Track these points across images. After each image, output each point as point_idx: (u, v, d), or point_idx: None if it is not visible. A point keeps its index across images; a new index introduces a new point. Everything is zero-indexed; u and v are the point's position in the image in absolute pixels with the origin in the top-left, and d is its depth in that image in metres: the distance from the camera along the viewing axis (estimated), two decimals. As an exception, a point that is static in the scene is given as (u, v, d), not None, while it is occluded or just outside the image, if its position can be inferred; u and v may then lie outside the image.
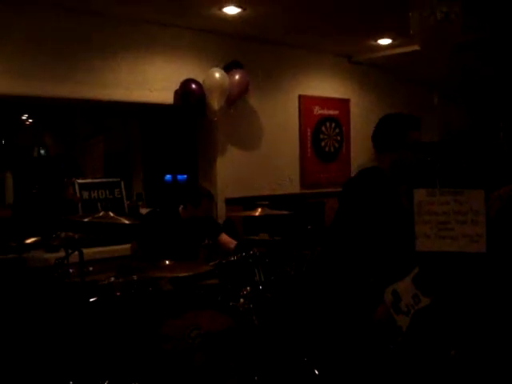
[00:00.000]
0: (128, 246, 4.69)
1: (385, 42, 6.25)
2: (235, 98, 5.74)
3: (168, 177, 7.10)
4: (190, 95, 5.41)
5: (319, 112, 6.88)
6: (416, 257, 2.59)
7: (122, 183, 5.41)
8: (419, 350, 2.70)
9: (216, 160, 5.83)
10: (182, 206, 4.47)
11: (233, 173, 6.00)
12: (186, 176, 6.72)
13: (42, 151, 6.28)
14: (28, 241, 3.77)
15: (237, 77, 5.67)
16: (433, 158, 2.82)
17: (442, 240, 2.54)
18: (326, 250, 3.22)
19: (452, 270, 2.75)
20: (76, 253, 3.71)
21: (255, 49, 6.15)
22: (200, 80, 5.46)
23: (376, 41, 6.24)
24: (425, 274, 2.58)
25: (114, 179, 5.41)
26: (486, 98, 7.33)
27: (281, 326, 3.77)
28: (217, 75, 5.49)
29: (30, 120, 5.91)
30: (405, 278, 2.58)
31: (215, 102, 5.47)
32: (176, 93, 5.51)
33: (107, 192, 5.29)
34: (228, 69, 5.65)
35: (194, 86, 5.43)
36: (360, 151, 7.09)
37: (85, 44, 4.93)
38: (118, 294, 3.55)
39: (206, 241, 4.67)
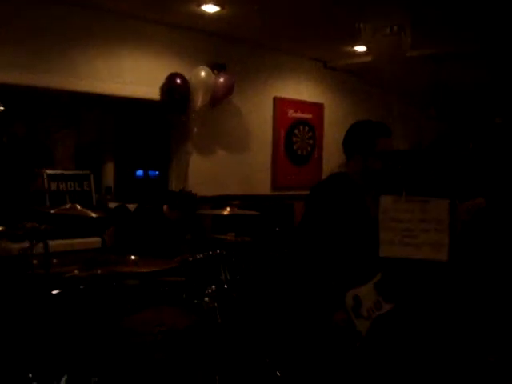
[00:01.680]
0: (93, 239, 4.68)
1: (360, 48, 6.30)
2: (220, 99, 5.79)
3: (139, 172, 7.07)
4: (175, 90, 5.42)
5: (293, 115, 6.91)
6: (379, 263, 2.63)
7: (92, 176, 5.35)
8: (378, 355, 2.73)
9: (189, 158, 5.81)
10: (166, 206, 4.51)
11: (205, 171, 5.99)
12: (157, 172, 6.68)
13: (12, 140, 6.17)
14: (-8, 229, 3.71)
15: (223, 79, 5.72)
16: (401, 166, 2.86)
17: (405, 247, 2.58)
18: (292, 252, 3.24)
19: (414, 277, 2.80)
20: (41, 244, 3.67)
21: (234, 48, 6.15)
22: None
23: (352, 47, 6.28)
24: (388, 280, 2.62)
25: (84, 171, 5.35)
26: (458, 110, 7.45)
27: (244, 326, 3.79)
28: (203, 74, 5.52)
29: (1, 108, 5.83)
30: (367, 283, 2.62)
31: (199, 100, 5.49)
32: (162, 88, 5.51)
33: (76, 184, 5.23)
34: (213, 69, 5.68)
35: (179, 80, 5.44)
36: (332, 156, 7.13)
37: (62, 34, 4.86)
38: (82, 287, 3.52)
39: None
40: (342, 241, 2.74)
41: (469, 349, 3.43)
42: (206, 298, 3.63)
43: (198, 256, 3.93)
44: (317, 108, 7.23)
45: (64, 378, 3.12)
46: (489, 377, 3.33)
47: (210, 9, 4.95)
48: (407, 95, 7.94)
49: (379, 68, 4.49)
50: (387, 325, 2.66)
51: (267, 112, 6.68)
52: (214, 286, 3.73)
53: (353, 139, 2.95)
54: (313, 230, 2.81)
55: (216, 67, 5.72)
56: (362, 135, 2.92)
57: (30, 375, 3.26)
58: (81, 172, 5.35)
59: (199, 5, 4.87)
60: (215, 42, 5.94)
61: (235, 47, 6.16)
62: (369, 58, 6.42)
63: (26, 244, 3.88)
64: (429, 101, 7.67)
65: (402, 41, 3.70)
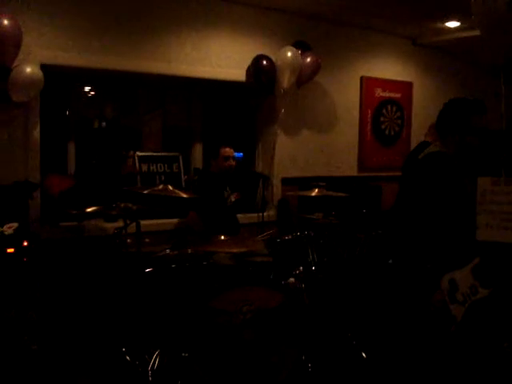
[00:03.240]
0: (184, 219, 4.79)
1: (452, 24, 6.06)
2: (306, 80, 5.76)
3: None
4: (262, 72, 5.44)
5: (381, 94, 6.76)
6: (477, 246, 2.54)
7: (181, 158, 5.46)
8: (473, 341, 2.65)
9: (276, 139, 5.82)
10: None
11: (291, 153, 5.98)
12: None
13: (103, 123, 6.39)
14: (88, 209, 3.85)
15: (309, 59, 5.68)
16: (499, 147, 2.74)
17: (504, 231, 2.47)
18: (387, 233, 3.19)
19: (513, 262, 2.68)
20: (134, 224, 3.79)
21: (320, 28, 6.08)
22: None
23: (443, 23, 6.05)
24: (485, 265, 2.53)
25: (173, 153, 5.47)
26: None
27: (331, 308, 3.78)
28: (289, 54, 5.50)
29: (93, 92, 6.03)
30: (464, 267, 2.53)
31: (285, 81, 5.49)
32: (248, 70, 5.54)
33: (165, 166, 5.35)
34: (295, 46, 5.64)
35: (265, 62, 5.45)
36: (420, 136, 6.92)
37: (151, 19, 4.98)
38: (173, 266, 3.61)
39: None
40: (440, 221, 2.66)
41: None
42: (293, 279, 3.63)
43: (285, 237, 3.94)
44: (405, 87, 7.03)
45: (156, 353, 3.22)
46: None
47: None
48: (500, 72, 7.57)
49: (483, 44, 4.27)
50: (483, 311, 2.57)
51: (354, 92, 6.56)
52: (301, 268, 3.73)
53: (448, 117, 2.86)
54: (410, 209, 2.74)
55: (301, 47, 5.66)
56: (457, 112, 2.82)
57: (124, 349, 3.39)
58: (170, 154, 5.47)
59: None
60: (300, 22, 5.89)
61: (320, 26, 6.09)
62: (463, 34, 6.18)
63: (120, 224, 4.03)
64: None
65: None
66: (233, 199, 4.82)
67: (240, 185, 4.94)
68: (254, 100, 6.03)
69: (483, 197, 2.50)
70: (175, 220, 5.01)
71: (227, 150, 4.78)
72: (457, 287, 2.51)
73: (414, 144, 7.04)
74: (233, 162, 4.83)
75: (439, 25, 6.14)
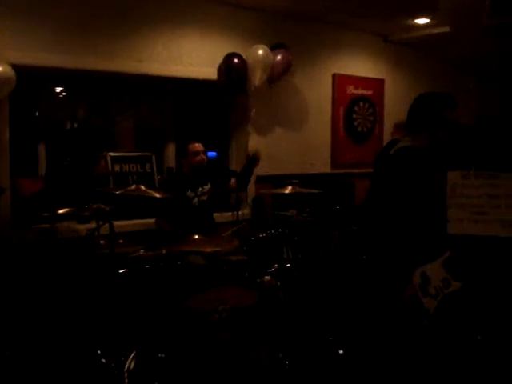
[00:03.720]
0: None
1: (422, 21, 6.12)
2: (278, 77, 5.76)
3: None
4: (233, 70, 5.43)
5: (353, 91, 6.81)
6: (448, 240, 2.56)
7: (154, 158, 5.42)
8: (445, 334, 2.68)
9: (249, 138, 5.82)
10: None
11: (264, 151, 5.93)
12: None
13: (75, 124, 6.33)
14: (60, 211, 3.81)
15: (280, 56, 5.68)
16: (469, 141, 2.77)
17: (475, 224, 2.50)
18: (360, 228, 3.20)
19: (484, 254, 2.71)
20: (107, 225, 3.75)
21: (292, 26, 6.10)
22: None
23: (413, 20, 6.11)
24: (456, 258, 2.55)
25: (146, 153, 5.43)
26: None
27: (307, 304, 3.78)
28: (260, 52, 5.50)
29: (64, 93, 5.96)
30: (435, 260, 2.55)
31: (257, 79, 5.48)
32: (219, 68, 5.53)
33: (138, 166, 5.30)
34: (273, 49, 5.66)
35: (236, 60, 5.45)
36: (392, 132, 7.00)
37: (122, 18, 4.94)
38: (147, 266, 3.59)
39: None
40: (411, 215, 2.67)
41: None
42: (268, 277, 3.63)
43: (260, 235, 3.93)
44: (377, 84, 7.09)
45: (132, 355, 3.19)
46: None
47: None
48: (470, 68, 7.69)
49: (453, 40, 4.32)
50: (455, 304, 2.60)
51: (326, 89, 6.60)
52: (276, 265, 3.73)
53: (419, 111, 2.88)
54: (382, 204, 2.76)
55: (275, 45, 5.66)
56: (428, 107, 2.84)
57: (99, 352, 3.35)
58: (143, 154, 5.42)
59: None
60: (272, 20, 5.90)
61: (292, 24, 6.10)
62: (432, 31, 6.24)
63: (93, 225, 3.99)
64: (492, 73, 7.39)
65: (482, 8, 3.53)
66: (205, 198, 4.77)
67: (214, 184, 4.90)
68: (226, 98, 6.02)
69: (453, 191, 2.52)
70: (149, 220, 4.98)
71: (195, 145, 4.73)
72: (429, 280, 2.53)
73: (386, 141, 7.10)
74: (203, 157, 4.77)
75: (409, 21, 6.20)
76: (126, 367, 3.13)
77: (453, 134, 2.78)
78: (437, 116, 2.79)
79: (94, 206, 3.75)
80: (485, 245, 2.59)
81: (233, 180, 4.92)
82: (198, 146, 4.74)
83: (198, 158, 4.72)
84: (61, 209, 3.79)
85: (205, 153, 4.82)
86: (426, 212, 2.67)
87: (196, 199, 4.74)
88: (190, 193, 4.73)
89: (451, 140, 2.78)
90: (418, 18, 6.02)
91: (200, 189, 4.79)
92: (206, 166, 4.81)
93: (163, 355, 3.09)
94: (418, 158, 2.82)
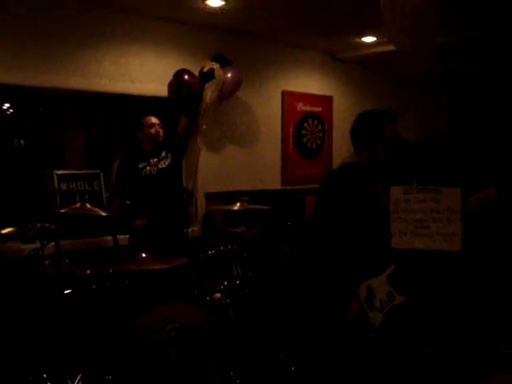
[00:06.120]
0: (105, 238, 4.69)
1: (369, 39, 6.25)
2: (228, 95, 5.75)
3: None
4: (183, 86, 5.37)
5: (302, 108, 6.87)
6: (392, 254, 2.60)
7: (102, 175, 5.35)
8: (392, 347, 2.70)
9: (199, 154, 5.80)
10: None
11: (214, 167, 5.98)
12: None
13: (22, 141, 6.21)
14: (3, 231, 3.70)
15: (231, 73, 5.68)
16: (410, 156, 2.82)
17: (417, 238, 2.54)
18: (304, 245, 3.22)
19: (427, 268, 2.76)
20: (52, 244, 3.67)
21: (241, 43, 6.11)
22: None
23: (360, 38, 6.23)
24: (400, 272, 2.59)
25: (94, 171, 5.34)
26: (469, 100, 7.37)
27: (257, 322, 3.77)
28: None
29: (11, 110, 5.85)
30: (380, 274, 2.58)
31: (208, 95, 5.45)
32: (169, 85, 5.49)
33: (86, 184, 5.22)
34: (213, 60, 5.63)
35: (187, 76, 5.40)
36: (342, 148, 7.09)
37: (69, 34, 4.86)
38: (94, 286, 3.52)
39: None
40: (355, 231, 2.71)
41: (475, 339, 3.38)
42: (218, 294, 3.61)
43: (209, 252, 3.91)
44: (326, 101, 7.19)
45: (78, 377, 3.12)
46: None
47: (215, 3, 4.92)
48: (417, 85, 7.87)
49: (399, 58, 4.40)
50: (400, 317, 2.63)
51: (276, 106, 6.64)
52: (225, 282, 3.72)
53: (360, 128, 2.93)
54: (325, 220, 2.78)
55: (220, 61, 5.66)
56: (368, 123, 2.90)
57: (45, 375, 3.26)
58: (91, 171, 5.34)
59: (204, 0, 4.85)
60: (222, 37, 5.90)
61: (242, 41, 6.12)
62: (379, 49, 6.38)
63: (38, 245, 3.89)
64: (439, 91, 7.60)
65: (428, 26, 3.62)
66: (164, 165, 4.75)
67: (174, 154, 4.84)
68: (176, 115, 5.98)
69: (396, 205, 2.57)
70: (96, 239, 4.89)
71: (151, 118, 4.74)
72: (374, 294, 2.56)
73: (335, 156, 7.23)
74: (158, 129, 4.75)
75: (356, 40, 6.31)
76: (72, 390, 3.07)
77: (394, 150, 2.83)
78: (376, 132, 2.85)
79: (38, 225, 3.67)
80: (427, 258, 2.64)
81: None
82: (153, 119, 4.75)
83: (153, 130, 4.71)
84: (4, 229, 3.69)
85: (161, 126, 4.80)
86: (369, 227, 2.71)
87: (148, 168, 4.71)
88: (140, 164, 4.72)
89: (393, 155, 2.84)
90: (364, 36, 6.14)
91: (155, 159, 4.75)
92: (162, 138, 4.78)
93: (110, 377, 3.04)
94: (360, 174, 2.87)
